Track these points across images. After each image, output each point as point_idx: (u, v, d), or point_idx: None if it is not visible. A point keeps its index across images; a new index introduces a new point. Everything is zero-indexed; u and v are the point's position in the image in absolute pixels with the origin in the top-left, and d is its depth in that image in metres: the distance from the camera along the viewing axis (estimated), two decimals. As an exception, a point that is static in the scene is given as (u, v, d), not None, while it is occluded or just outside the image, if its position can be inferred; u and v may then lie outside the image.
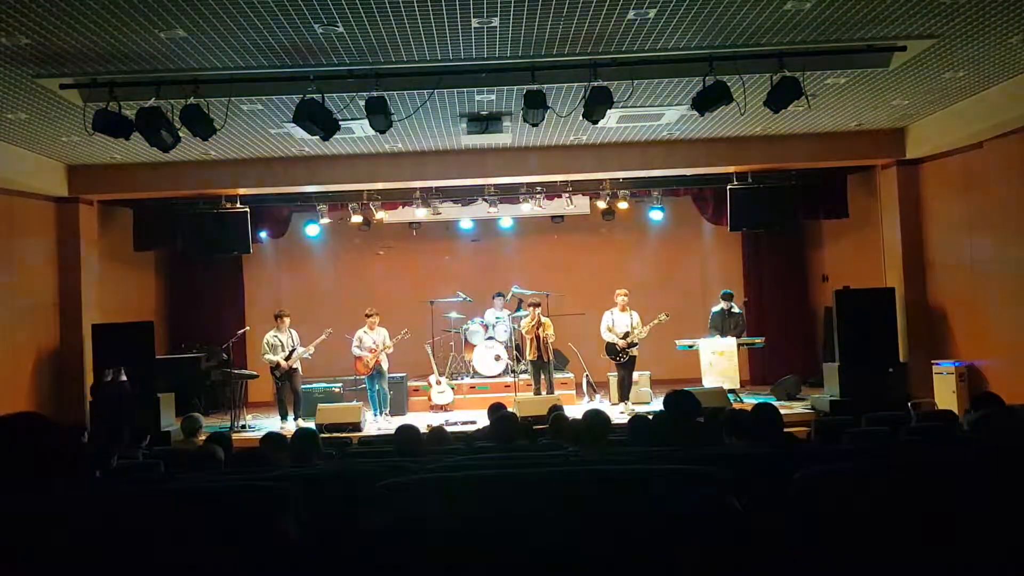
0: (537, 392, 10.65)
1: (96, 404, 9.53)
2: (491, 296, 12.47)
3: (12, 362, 9.28)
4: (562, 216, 12.77)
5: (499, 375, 11.89)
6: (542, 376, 10.74)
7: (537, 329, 10.58)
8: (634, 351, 10.54)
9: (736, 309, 11.46)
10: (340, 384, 11.46)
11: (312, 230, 12.57)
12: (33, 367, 9.63)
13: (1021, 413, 4.37)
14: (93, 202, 10.56)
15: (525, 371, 11.16)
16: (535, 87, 6.61)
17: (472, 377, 12.09)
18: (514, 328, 12.01)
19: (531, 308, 10.83)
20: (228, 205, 11.05)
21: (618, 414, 10.14)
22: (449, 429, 7.71)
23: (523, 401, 9.84)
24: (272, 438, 5.04)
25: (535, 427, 6.60)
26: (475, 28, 5.91)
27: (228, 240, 11.05)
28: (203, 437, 6.76)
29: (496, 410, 6.84)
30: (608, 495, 2.11)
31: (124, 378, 9.43)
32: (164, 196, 10.86)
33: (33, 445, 2.33)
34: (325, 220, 12.01)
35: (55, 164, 9.72)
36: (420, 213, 11.86)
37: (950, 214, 9.84)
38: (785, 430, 4.78)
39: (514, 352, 11.85)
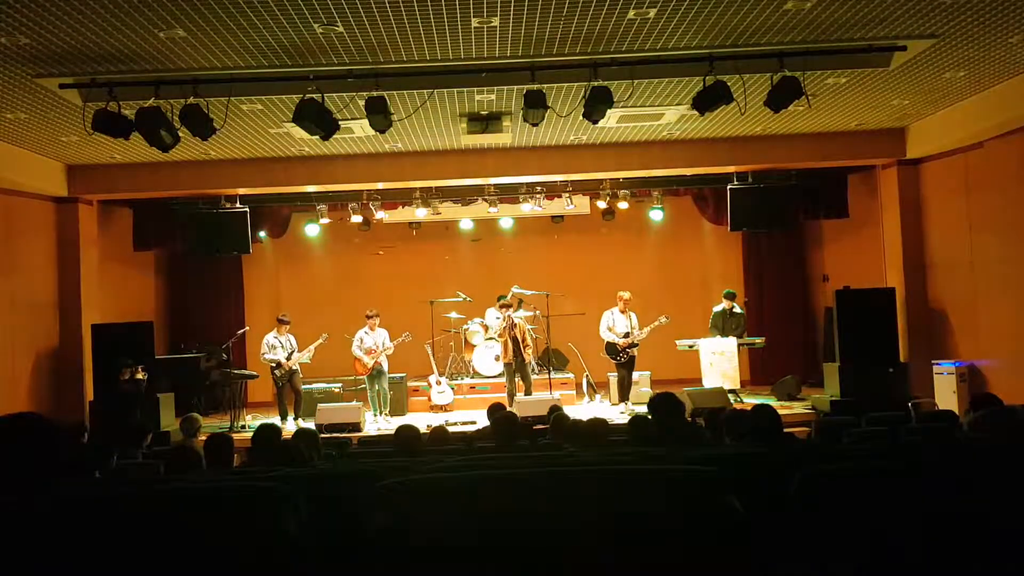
0: (511, 395, 10.45)
1: (108, 402, 9.50)
2: (496, 298, 12.38)
3: (12, 362, 9.27)
4: (562, 216, 12.76)
5: (499, 375, 11.87)
6: (517, 378, 10.58)
7: (513, 331, 10.47)
8: (634, 351, 10.53)
9: (738, 309, 11.45)
10: (340, 384, 11.46)
11: (312, 230, 12.57)
12: (33, 367, 9.63)
13: (1021, 413, 4.36)
14: (93, 202, 10.56)
15: (502, 374, 11.05)
16: (535, 87, 6.60)
17: (472, 377, 12.08)
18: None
19: (504, 310, 10.72)
20: (228, 205, 11.05)
21: (618, 414, 10.14)
22: (449, 429, 7.71)
23: (523, 401, 9.83)
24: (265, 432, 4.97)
25: (535, 427, 6.60)
26: (475, 28, 5.90)
27: (228, 240, 11.04)
28: (202, 438, 6.76)
29: (496, 410, 6.85)
30: (609, 495, 2.10)
31: (140, 376, 9.44)
32: (164, 196, 10.86)
33: (33, 445, 2.33)
34: (325, 220, 12.00)
35: (55, 164, 9.71)
36: (420, 213, 11.85)
37: (950, 214, 9.83)
38: (785, 430, 4.78)
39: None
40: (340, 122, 6.90)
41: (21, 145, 8.74)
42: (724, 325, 11.25)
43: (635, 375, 10.87)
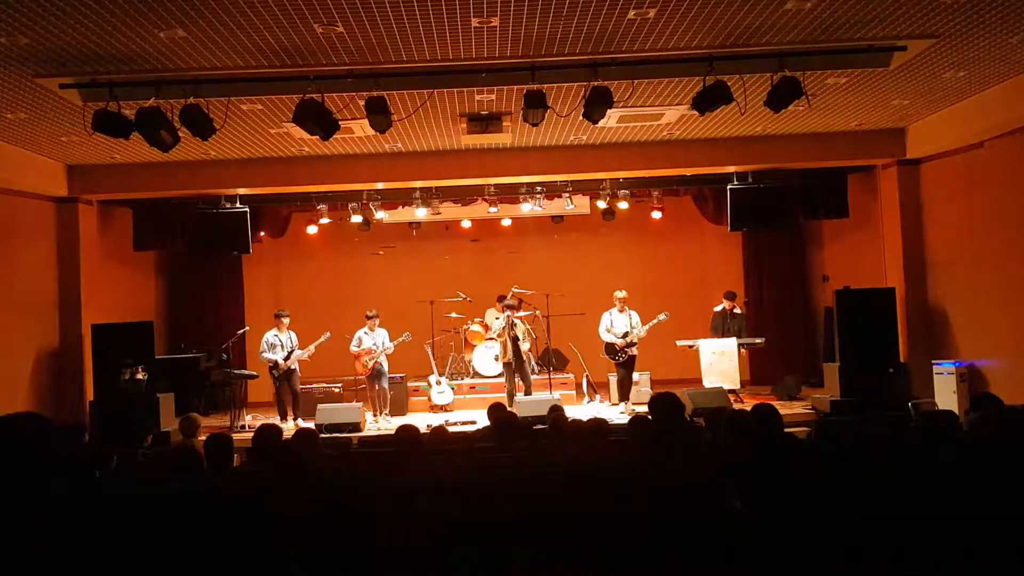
0: (511, 395, 10.46)
1: (108, 402, 9.49)
2: (496, 298, 12.39)
3: (12, 362, 9.27)
4: (562, 216, 12.77)
5: (499, 375, 11.86)
6: (517, 379, 10.58)
7: (512, 330, 10.45)
8: (633, 351, 10.52)
9: (738, 310, 11.45)
10: (340, 384, 11.46)
11: (312, 230, 12.57)
12: (33, 367, 9.62)
13: (1021, 413, 4.36)
14: (93, 202, 10.56)
15: (501, 375, 11.05)
16: (535, 87, 6.61)
17: (472, 377, 12.08)
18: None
19: (505, 311, 10.70)
20: (228, 205, 11.05)
21: (618, 414, 10.14)
22: (449, 429, 7.71)
23: (523, 401, 9.83)
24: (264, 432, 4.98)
25: (535, 427, 6.60)
26: (475, 28, 5.90)
27: (228, 240, 11.05)
28: (202, 438, 6.76)
29: (496, 410, 6.84)
30: (610, 496, 2.10)
31: (140, 376, 9.44)
32: (164, 196, 10.85)
33: (33, 445, 2.33)
34: (325, 220, 12.00)
35: (55, 164, 9.71)
36: (420, 213, 11.85)
37: (950, 214, 9.83)
38: (785, 431, 4.78)
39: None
40: (340, 122, 6.90)
41: (21, 145, 8.74)
42: (724, 326, 11.25)
43: (635, 375, 10.87)
